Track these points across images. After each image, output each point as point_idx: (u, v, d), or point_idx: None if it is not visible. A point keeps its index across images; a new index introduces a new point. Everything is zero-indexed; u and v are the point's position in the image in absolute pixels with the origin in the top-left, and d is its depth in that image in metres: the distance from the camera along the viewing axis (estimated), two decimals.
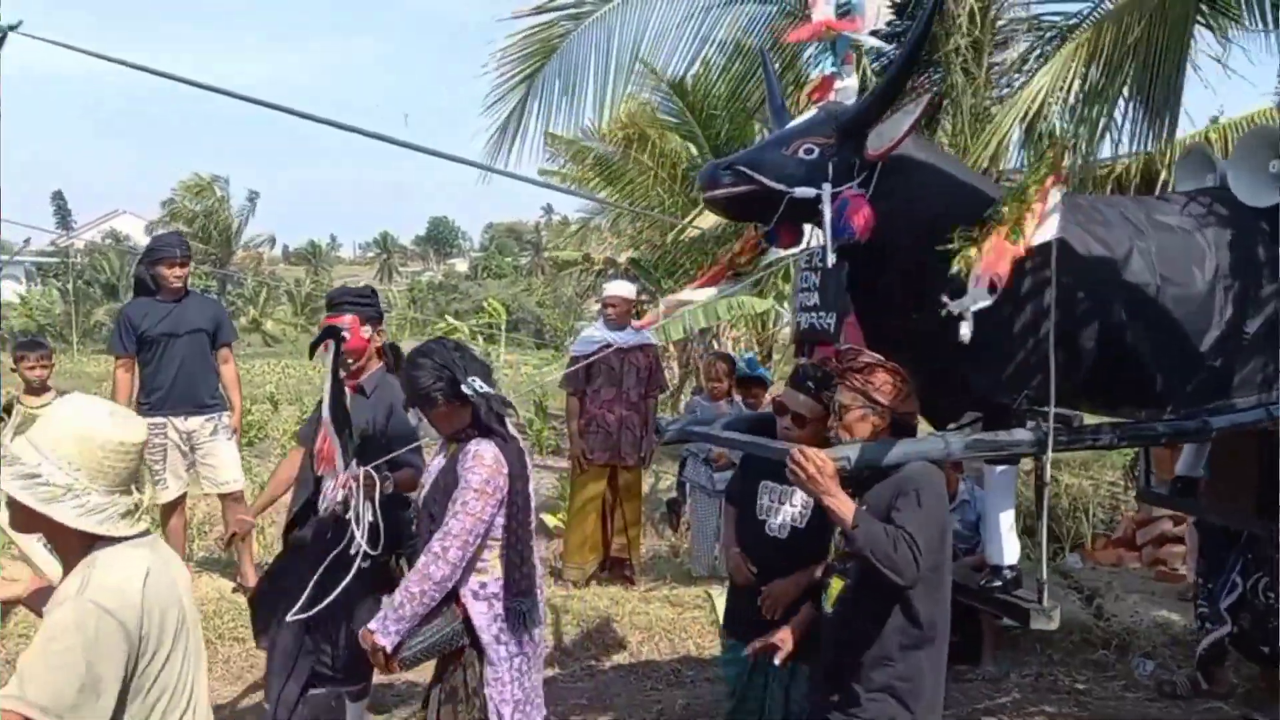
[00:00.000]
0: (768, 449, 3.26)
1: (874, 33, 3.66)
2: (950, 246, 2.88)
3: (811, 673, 3.28)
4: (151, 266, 5.63)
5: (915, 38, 3.12)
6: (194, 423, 5.68)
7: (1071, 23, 5.85)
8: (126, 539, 2.00)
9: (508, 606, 3.17)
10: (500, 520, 3.14)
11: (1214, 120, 6.98)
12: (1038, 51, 5.90)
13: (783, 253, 3.60)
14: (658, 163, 11.87)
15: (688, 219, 9.32)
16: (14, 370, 6.11)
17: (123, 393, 5.63)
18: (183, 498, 5.79)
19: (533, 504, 3.27)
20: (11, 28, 3.08)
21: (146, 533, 2.09)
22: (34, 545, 3.49)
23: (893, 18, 5.59)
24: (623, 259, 17.29)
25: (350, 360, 4.02)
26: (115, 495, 1.98)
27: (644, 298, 14.46)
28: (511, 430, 3.22)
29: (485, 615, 3.18)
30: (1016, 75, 6.01)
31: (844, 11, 3.62)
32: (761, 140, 3.37)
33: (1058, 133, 5.17)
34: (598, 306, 6.79)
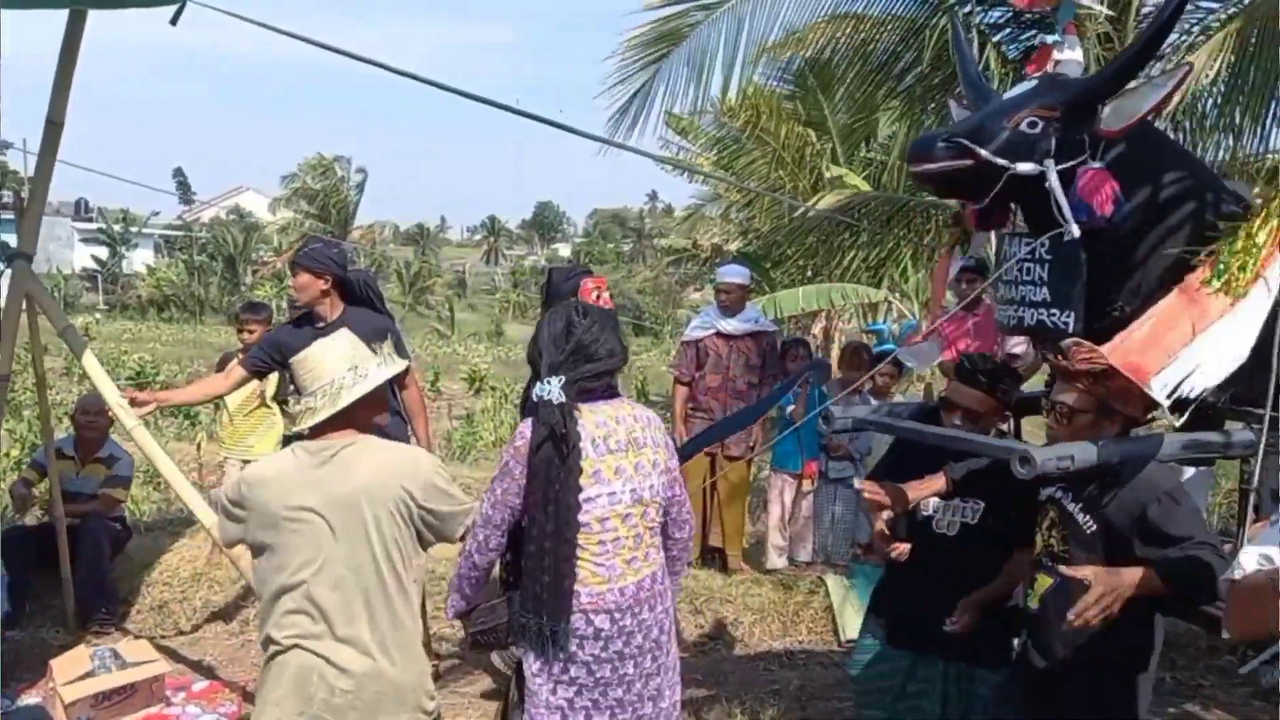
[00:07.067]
0: (992, 448, 2.89)
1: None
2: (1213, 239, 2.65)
3: (1005, 679, 3.02)
4: None
5: (1172, 7, 2.84)
6: None
7: (1230, 12, 5.70)
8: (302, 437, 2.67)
9: (522, 620, 2.71)
10: (527, 514, 2.70)
11: None
12: (1186, 44, 5.75)
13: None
14: (780, 145, 11.76)
15: (810, 202, 9.26)
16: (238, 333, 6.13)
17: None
18: None
19: (593, 499, 2.65)
20: None
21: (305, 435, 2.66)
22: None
23: None
24: (731, 247, 17.28)
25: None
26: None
27: (751, 288, 14.41)
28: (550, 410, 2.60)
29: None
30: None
31: None
32: (977, 111, 3.06)
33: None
34: (696, 295, 6.79)
